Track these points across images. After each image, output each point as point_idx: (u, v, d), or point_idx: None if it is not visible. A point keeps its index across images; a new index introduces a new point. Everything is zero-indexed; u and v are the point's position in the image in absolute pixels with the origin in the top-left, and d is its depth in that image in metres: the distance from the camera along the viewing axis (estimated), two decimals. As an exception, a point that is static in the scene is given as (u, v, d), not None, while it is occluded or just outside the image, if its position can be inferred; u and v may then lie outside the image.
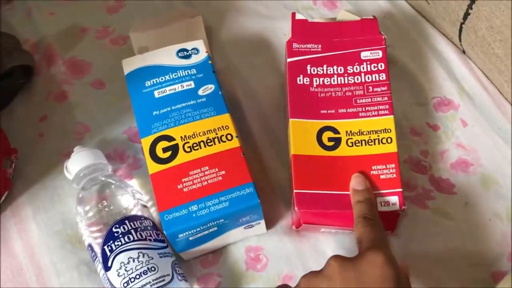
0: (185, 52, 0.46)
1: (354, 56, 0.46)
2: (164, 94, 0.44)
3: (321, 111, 0.44)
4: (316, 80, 0.46)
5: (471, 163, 0.48)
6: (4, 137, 0.47)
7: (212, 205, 0.39)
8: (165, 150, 0.42)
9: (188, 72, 0.45)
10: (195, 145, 0.42)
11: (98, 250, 0.40)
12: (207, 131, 0.42)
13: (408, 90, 0.52)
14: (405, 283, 0.35)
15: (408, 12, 0.57)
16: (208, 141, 0.42)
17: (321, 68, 0.46)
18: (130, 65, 0.46)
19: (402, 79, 0.52)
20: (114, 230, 0.40)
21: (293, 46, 0.47)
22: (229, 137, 0.42)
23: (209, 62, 0.46)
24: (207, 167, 0.41)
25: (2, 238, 0.45)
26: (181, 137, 0.42)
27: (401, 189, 0.41)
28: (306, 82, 0.46)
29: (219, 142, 0.42)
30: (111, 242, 0.40)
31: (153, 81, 0.45)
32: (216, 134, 0.42)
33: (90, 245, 0.41)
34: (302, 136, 0.43)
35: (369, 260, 0.34)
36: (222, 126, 0.43)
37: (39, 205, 0.47)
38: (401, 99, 0.51)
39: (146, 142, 0.42)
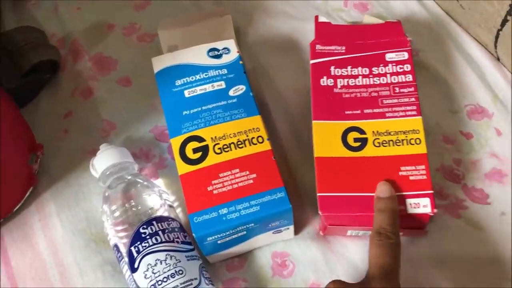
0: (216, 52, 0.46)
1: (379, 58, 0.46)
2: (195, 94, 0.44)
3: (346, 112, 0.44)
4: (340, 81, 0.45)
5: (505, 173, 0.46)
6: (30, 132, 0.47)
7: (242, 208, 0.38)
8: (195, 150, 0.41)
9: (219, 72, 0.45)
10: (225, 146, 0.41)
11: (124, 250, 0.39)
12: (237, 133, 0.41)
13: (440, 96, 0.51)
14: None
15: (441, 17, 0.56)
16: (239, 143, 0.41)
17: (345, 69, 0.46)
18: (160, 63, 0.45)
19: (434, 85, 0.51)
20: (141, 231, 0.39)
21: (316, 48, 0.47)
22: (260, 139, 0.41)
23: (240, 62, 0.45)
24: (237, 170, 0.40)
25: (26, 234, 0.45)
26: (212, 138, 0.41)
27: (432, 191, 0.40)
28: (330, 83, 0.45)
29: (250, 145, 0.41)
30: (138, 243, 0.39)
31: (183, 80, 0.44)
32: (247, 136, 0.41)
33: (116, 245, 0.40)
34: (326, 138, 0.43)
35: None
36: (253, 128, 0.42)
37: (63, 202, 0.46)
38: (433, 106, 0.50)
39: (176, 142, 0.41)
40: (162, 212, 0.41)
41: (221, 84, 0.44)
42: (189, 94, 0.44)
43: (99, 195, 0.46)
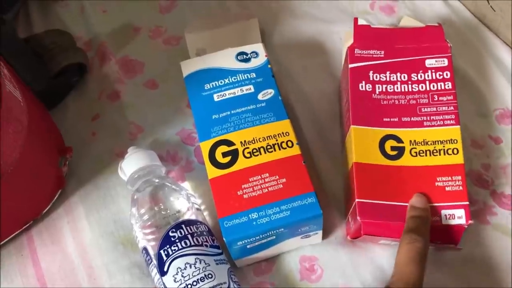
0: (244, 56, 0.46)
1: (418, 64, 0.45)
2: (224, 97, 0.44)
3: (384, 119, 0.43)
4: (378, 87, 0.45)
5: (536, 180, 0.46)
6: (59, 135, 0.47)
7: (273, 213, 0.38)
8: (224, 155, 0.41)
9: (247, 76, 0.45)
10: (255, 151, 0.41)
11: (153, 253, 0.40)
12: (267, 137, 0.41)
13: (469, 100, 0.50)
14: None
15: (470, 19, 0.55)
16: (268, 147, 0.41)
17: (384, 75, 0.45)
18: (188, 67, 0.45)
19: (462, 89, 0.50)
20: (170, 234, 0.39)
21: (355, 52, 0.46)
22: (289, 143, 0.41)
23: (269, 66, 0.45)
24: (267, 174, 0.40)
25: (55, 236, 0.45)
26: (241, 142, 0.41)
27: (467, 202, 0.39)
28: (369, 88, 0.45)
29: (280, 149, 0.41)
30: (168, 246, 0.39)
31: (212, 84, 0.44)
32: (276, 140, 0.41)
33: (144, 248, 0.40)
34: (364, 144, 0.42)
35: None
36: (283, 133, 0.42)
37: (91, 205, 0.46)
38: (462, 110, 0.48)
39: (206, 146, 0.41)
40: (190, 215, 0.41)
41: (250, 88, 0.44)
42: (218, 98, 0.44)
43: (126, 197, 0.46)
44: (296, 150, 0.41)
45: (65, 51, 0.51)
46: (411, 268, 0.36)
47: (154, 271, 0.39)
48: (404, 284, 0.35)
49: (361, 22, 0.48)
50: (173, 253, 0.39)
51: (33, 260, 0.44)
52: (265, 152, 0.41)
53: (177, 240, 0.39)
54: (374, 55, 0.46)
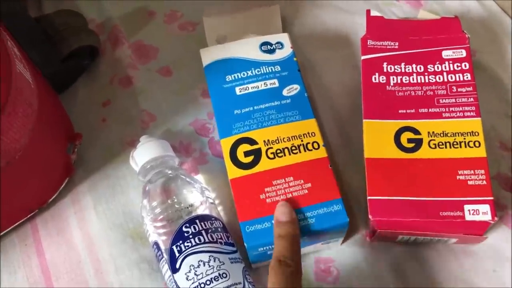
0: (269, 46, 0.43)
1: (434, 55, 0.44)
2: (246, 91, 0.41)
3: (399, 111, 0.42)
4: (393, 78, 0.43)
5: None
6: (69, 120, 0.45)
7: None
8: (247, 154, 0.38)
9: (272, 69, 0.42)
10: (279, 151, 0.38)
11: (164, 249, 0.38)
12: (292, 137, 0.39)
13: (497, 100, 0.48)
14: None
15: (499, 15, 0.53)
16: (293, 148, 0.38)
17: (399, 66, 0.44)
18: (209, 55, 0.43)
19: (490, 88, 0.48)
20: (184, 229, 0.37)
21: (368, 43, 0.45)
22: (315, 145, 0.39)
23: (294, 59, 0.43)
24: (291, 178, 0.37)
25: (61, 226, 0.43)
26: (264, 141, 0.39)
27: (492, 198, 0.38)
28: (382, 80, 0.43)
29: (305, 151, 0.38)
30: (180, 242, 0.37)
31: (234, 76, 0.42)
32: (302, 141, 0.39)
33: (156, 243, 0.38)
34: (377, 138, 0.41)
35: None
36: (308, 133, 0.39)
37: (100, 195, 0.44)
38: (490, 110, 0.47)
39: (227, 143, 0.39)
40: (203, 209, 0.39)
41: (274, 83, 0.41)
42: (240, 91, 0.41)
43: (137, 188, 0.44)
44: (322, 153, 0.38)
45: (77, 33, 0.48)
46: None
47: (165, 267, 0.37)
48: None
49: (374, 13, 0.47)
50: (186, 250, 0.37)
51: (37, 251, 0.42)
52: (289, 154, 0.38)
53: (190, 236, 0.37)
54: (388, 47, 0.45)
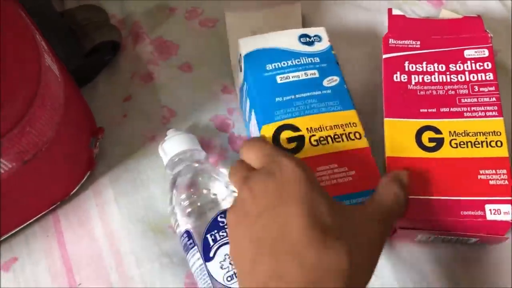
0: (307, 38, 0.43)
1: (456, 54, 0.44)
2: (288, 80, 0.41)
3: (421, 110, 0.42)
4: (414, 77, 0.43)
5: None
6: (91, 115, 0.46)
7: None
8: (290, 140, 0.39)
9: (311, 60, 0.42)
10: (322, 139, 0.39)
11: (197, 237, 0.38)
12: (334, 126, 0.39)
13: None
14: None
15: (521, 16, 0.52)
16: (336, 136, 0.39)
17: (420, 65, 0.44)
18: (248, 45, 0.43)
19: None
20: (219, 219, 0.38)
21: (390, 42, 0.45)
22: (357, 135, 0.39)
23: (332, 52, 0.43)
24: (336, 165, 0.38)
25: (82, 219, 0.44)
26: (307, 128, 0.39)
27: None
28: (404, 79, 0.43)
29: (348, 140, 0.39)
30: (216, 231, 0.38)
31: (274, 65, 0.42)
32: (344, 130, 0.39)
33: (187, 232, 0.39)
34: (398, 137, 0.41)
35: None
36: (350, 123, 0.40)
37: (121, 188, 0.45)
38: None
39: (268, 129, 0.39)
40: (228, 203, 0.40)
41: (314, 73, 0.41)
42: (281, 80, 0.41)
43: (157, 182, 0.45)
44: (364, 143, 0.39)
45: (100, 28, 0.49)
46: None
47: (196, 256, 0.38)
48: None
49: (395, 12, 0.47)
50: (222, 239, 0.37)
51: (59, 242, 0.43)
52: (332, 142, 0.39)
53: (226, 226, 0.38)
54: (409, 46, 0.45)
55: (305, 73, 0.41)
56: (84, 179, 0.44)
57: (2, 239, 0.42)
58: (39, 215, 0.43)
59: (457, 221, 0.38)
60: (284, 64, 0.42)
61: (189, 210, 0.39)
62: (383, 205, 0.34)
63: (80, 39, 0.47)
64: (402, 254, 0.41)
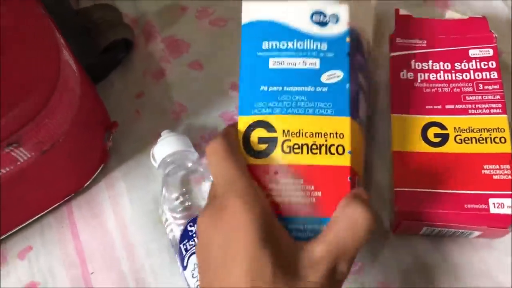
0: (321, 16, 0.35)
1: (461, 53, 0.45)
2: (280, 66, 0.35)
3: (426, 107, 0.43)
4: (420, 75, 0.44)
5: None
6: (105, 110, 0.47)
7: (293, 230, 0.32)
8: (261, 140, 0.33)
9: (317, 46, 0.35)
10: (296, 146, 0.33)
11: (176, 246, 0.39)
12: (316, 134, 0.33)
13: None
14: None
15: (527, 18, 0.53)
16: (314, 147, 0.33)
17: (426, 64, 0.45)
18: (251, 12, 0.36)
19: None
20: (189, 228, 0.39)
21: (397, 41, 0.46)
22: (340, 149, 0.33)
23: (347, 40, 0.35)
24: (301, 180, 0.32)
25: (95, 210, 0.45)
26: (284, 131, 0.33)
27: None
28: (410, 77, 0.44)
29: (326, 153, 0.33)
30: (186, 241, 0.38)
31: (272, 44, 0.35)
32: (326, 140, 0.33)
33: (174, 237, 0.40)
34: (404, 132, 0.42)
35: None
36: (336, 133, 0.33)
37: (133, 182, 0.46)
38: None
39: (243, 122, 0.34)
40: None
41: (315, 63, 0.35)
42: (273, 65, 0.35)
43: (167, 177, 0.46)
44: (345, 160, 0.33)
45: (113, 27, 0.50)
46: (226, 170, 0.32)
47: (179, 263, 0.39)
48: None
49: (402, 12, 0.48)
50: (191, 248, 0.38)
51: (72, 233, 0.44)
52: (307, 152, 0.33)
53: (194, 235, 0.38)
54: (416, 44, 0.46)
55: (303, 61, 0.35)
56: (98, 172, 0.46)
57: (18, 228, 0.43)
58: (53, 206, 0.44)
59: (461, 214, 0.39)
60: (282, 45, 0.35)
61: (179, 209, 0.40)
62: (340, 236, 0.30)
63: (95, 37, 0.49)
64: (405, 248, 0.42)
